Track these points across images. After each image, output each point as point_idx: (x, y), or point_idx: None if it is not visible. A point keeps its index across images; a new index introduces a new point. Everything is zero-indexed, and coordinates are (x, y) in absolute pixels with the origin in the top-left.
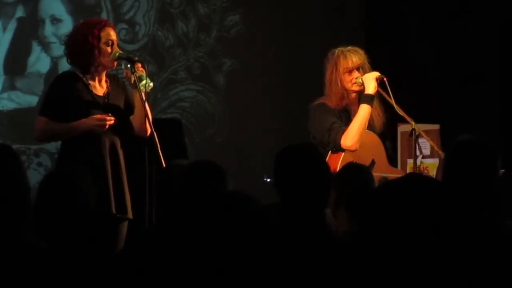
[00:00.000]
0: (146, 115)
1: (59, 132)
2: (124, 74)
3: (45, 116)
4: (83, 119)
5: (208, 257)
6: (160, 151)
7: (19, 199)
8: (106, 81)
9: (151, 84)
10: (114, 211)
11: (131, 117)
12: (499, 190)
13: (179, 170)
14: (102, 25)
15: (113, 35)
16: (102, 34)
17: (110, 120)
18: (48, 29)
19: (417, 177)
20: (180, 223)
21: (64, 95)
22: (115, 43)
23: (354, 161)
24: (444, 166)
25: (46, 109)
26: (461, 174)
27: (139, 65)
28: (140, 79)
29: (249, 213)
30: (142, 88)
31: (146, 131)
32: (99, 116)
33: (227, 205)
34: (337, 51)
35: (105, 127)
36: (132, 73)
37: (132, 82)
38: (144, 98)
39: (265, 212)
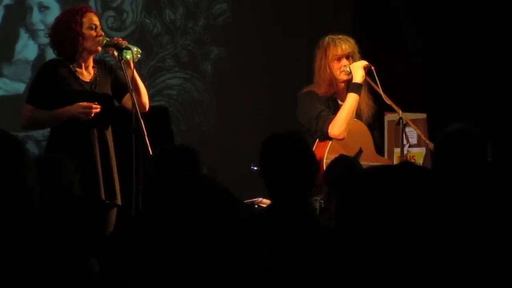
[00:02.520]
0: (136, 91)
1: (44, 120)
2: (110, 53)
3: (31, 104)
4: (68, 107)
5: (188, 247)
6: (147, 139)
7: (21, 188)
8: (93, 67)
9: (139, 50)
10: (103, 197)
11: (126, 96)
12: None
13: (156, 155)
14: (83, 11)
15: (95, 20)
16: (84, 20)
17: (96, 108)
18: (36, 16)
19: (411, 166)
20: (160, 210)
21: (50, 83)
22: (99, 27)
23: (345, 154)
24: (434, 156)
25: (33, 97)
26: (450, 164)
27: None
28: (126, 51)
29: (220, 202)
30: (130, 57)
31: (144, 106)
32: (84, 103)
33: (197, 192)
34: (327, 38)
35: (90, 115)
36: (120, 60)
37: (121, 66)
38: (134, 75)
39: (233, 201)
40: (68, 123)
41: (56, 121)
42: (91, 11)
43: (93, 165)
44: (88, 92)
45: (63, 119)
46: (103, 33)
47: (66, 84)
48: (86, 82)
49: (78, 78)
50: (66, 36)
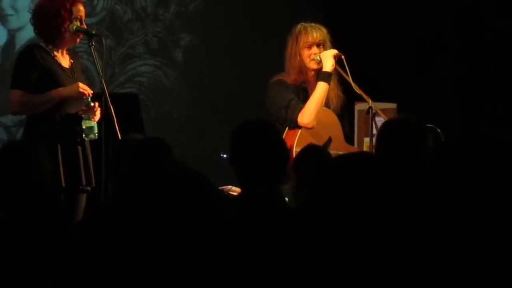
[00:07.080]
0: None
1: (38, 102)
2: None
3: (19, 89)
4: (65, 87)
5: (158, 233)
6: (116, 126)
7: None
8: (67, 53)
9: (95, 132)
10: (84, 182)
11: None
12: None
13: (133, 144)
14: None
15: (82, 11)
16: (74, 9)
17: (91, 93)
18: (5, 1)
19: (365, 155)
20: (130, 198)
21: (35, 67)
22: (83, 19)
23: (313, 143)
24: (375, 147)
25: (20, 82)
26: (390, 153)
27: (95, 107)
28: (87, 127)
29: (198, 188)
30: (91, 136)
31: None
32: (83, 84)
33: (174, 181)
34: (300, 25)
35: (85, 95)
36: (90, 46)
37: (91, 52)
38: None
39: (212, 188)
40: (48, 110)
41: (49, 103)
42: (81, 2)
43: (75, 153)
44: (70, 77)
45: (58, 99)
46: (86, 27)
47: (50, 68)
48: (66, 68)
49: (60, 64)
50: (53, 20)
